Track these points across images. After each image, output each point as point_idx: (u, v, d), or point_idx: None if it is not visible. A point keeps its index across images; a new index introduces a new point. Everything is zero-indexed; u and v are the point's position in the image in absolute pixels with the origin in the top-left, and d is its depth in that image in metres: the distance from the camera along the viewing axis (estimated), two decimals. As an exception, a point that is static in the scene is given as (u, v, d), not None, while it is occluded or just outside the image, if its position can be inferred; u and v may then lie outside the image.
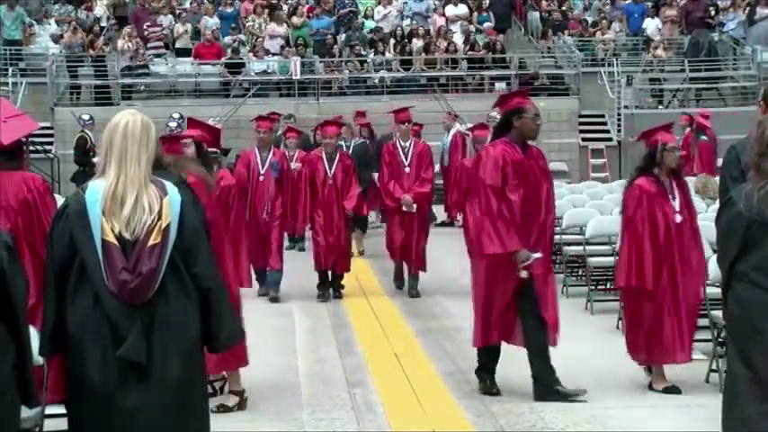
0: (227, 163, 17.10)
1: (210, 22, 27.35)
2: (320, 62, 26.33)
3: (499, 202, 7.78)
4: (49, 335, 4.68)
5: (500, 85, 25.56)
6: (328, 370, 9.12)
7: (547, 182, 8.07)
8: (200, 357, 4.76)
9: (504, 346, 8.12)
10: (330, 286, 12.68)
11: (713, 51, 27.00)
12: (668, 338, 8.05)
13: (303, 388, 8.45)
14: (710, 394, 7.78)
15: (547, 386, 7.84)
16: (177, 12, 28.37)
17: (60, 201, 5.81)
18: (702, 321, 8.47)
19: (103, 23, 28.36)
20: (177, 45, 27.25)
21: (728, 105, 25.80)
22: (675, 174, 8.34)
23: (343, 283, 12.85)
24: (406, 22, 28.45)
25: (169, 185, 4.72)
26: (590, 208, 13.11)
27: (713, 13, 28.36)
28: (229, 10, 27.87)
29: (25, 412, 4.78)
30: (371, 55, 26.96)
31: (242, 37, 27.36)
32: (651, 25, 28.20)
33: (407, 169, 12.88)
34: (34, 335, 4.76)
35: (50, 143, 23.89)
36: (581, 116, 25.85)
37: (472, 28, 27.76)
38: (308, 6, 28.57)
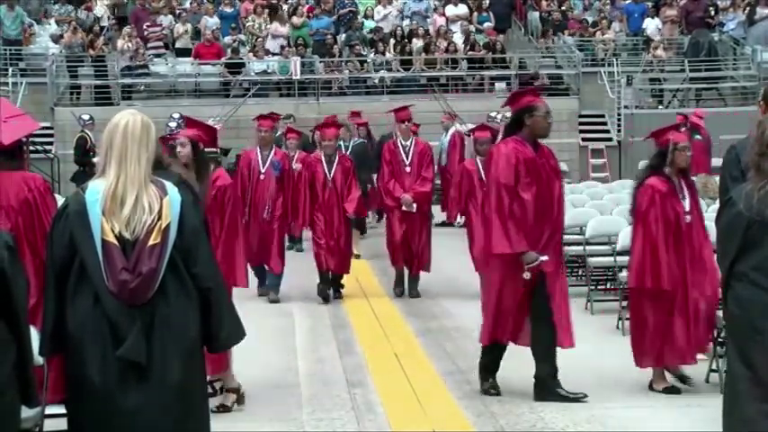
0: (227, 163, 17.17)
1: (210, 22, 27.33)
2: (320, 62, 26.31)
3: (511, 201, 7.74)
4: (49, 335, 4.68)
5: (500, 86, 25.54)
6: (328, 370, 9.12)
7: (558, 180, 8.03)
8: (200, 357, 4.75)
9: (504, 346, 8.12)
10: (330, 286, 12.66)
11: (713, 51, 26.98)
12: (680, 340, 7.98)
13: (303, 388, 8.45)
14: (710, 394, 7.78)
15: (548, 388, 7.84)
16: (177, 12, 28.36)
17: (60, 201, 5.81)
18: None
19: (103, 23, 28.32)
20: (177, 45, 27.23)
21: (728, 105, 25.77)
22: (684, 173, 8.30)
23: (342, 282, 12.84)
24: (406, 22, 28.43)
25: (169, 185, 4.72)
26: (590, 208, 13.09)
27: (713, 13, 28.34)
28: (229, 10, 27.85)
29: (25, 412, 4.78)
30: (371, 55, 26.94)
31: (242, 37, 27.34)
32: (651, 25, 28.18)
33: (408, 168, 12.87)
34: (34, 335, 4.76)
35: (50, 143, 23.86)
36: (581, 116, 25.81)
37: (472, 28, 27.74)
38: (308, 6, 28.55)
